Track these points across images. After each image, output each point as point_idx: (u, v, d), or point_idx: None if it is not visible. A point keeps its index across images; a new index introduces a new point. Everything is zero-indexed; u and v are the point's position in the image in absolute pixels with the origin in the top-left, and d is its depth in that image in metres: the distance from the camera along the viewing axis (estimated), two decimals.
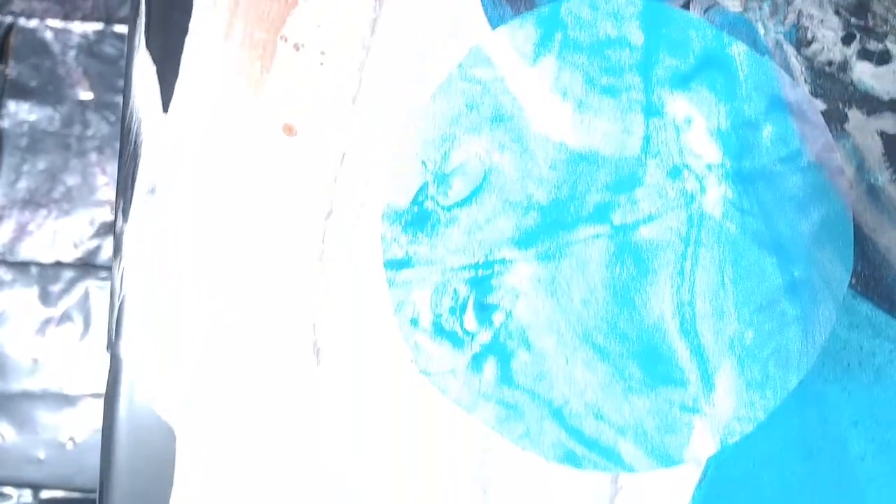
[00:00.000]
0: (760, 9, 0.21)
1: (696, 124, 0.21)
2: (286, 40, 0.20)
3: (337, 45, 0.20)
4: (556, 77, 0.20)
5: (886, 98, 0.21)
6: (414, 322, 0.20)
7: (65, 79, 0.60)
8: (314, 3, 0.20)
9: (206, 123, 0.20)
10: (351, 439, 0.19)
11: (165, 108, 0.20)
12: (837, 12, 0.21)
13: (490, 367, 0.20)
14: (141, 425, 0.19)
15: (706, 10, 0.21)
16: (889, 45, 0.21)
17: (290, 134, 0.20)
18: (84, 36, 0.56)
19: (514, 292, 0.20)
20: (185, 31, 0.20)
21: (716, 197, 0.20)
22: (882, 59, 0.21)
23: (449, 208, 0.20)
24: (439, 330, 0.20)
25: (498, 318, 0.20)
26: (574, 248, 0.20)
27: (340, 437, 0.19)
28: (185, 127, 0.20)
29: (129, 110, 0.19)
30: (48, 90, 0.58)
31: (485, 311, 0.20)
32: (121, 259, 0.19)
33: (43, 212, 0.58)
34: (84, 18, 0.57)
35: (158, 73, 0.20)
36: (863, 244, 0.21)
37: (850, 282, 0.21)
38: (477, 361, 0.20)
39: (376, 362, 0.20)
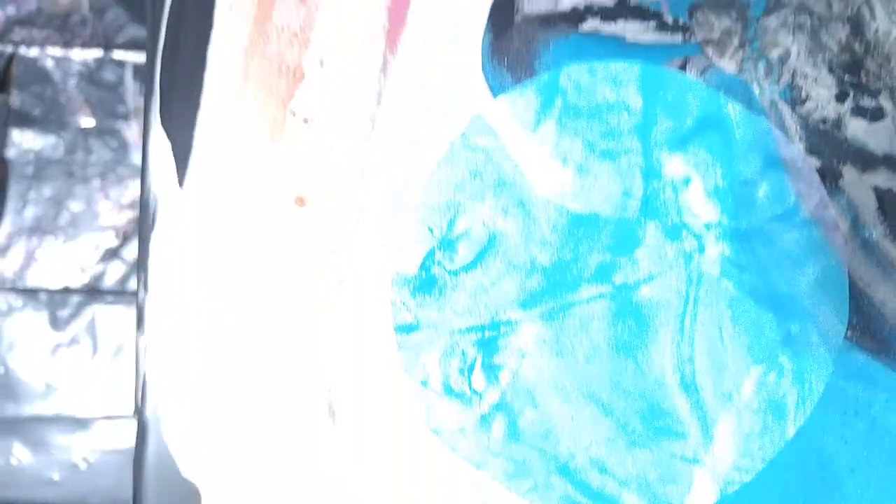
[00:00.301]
0: (755, 69, 0.21)
1: (693, 185, 0.21)
2: (295, 114, 0.21)
3: (344, 117, 0.21)
4: (556, 143, 0.21)
5: (880, 154, 0.21)
6: (424, 383, 0.20)
7: (66, 106, 0.61)
8: (321, 76, 0.21)
9: (220, 196, 0.20)
10: (366, 494, 0.20)
11: (181, 183, 0.20)
12: (831, 70, 0.21)
13: (498, 425, 0.20)
14: (167, 487, 0.20)
15: (702, 72, 0.21)
16: (882, 102, 0.22)
17: (301, 205, 0.20)
18: (84, 63, 0.57)
19: (521, 352, 0.21)
20: (197, 106, 0.20)
21: (714, 255, 0.21)
22: (875, 115, 0.22)
23: (455, 272, 0.21)
24: (448, 390, 0.20)
25: (505, 377, 0.20)
26: (577, 309, 0.21)
27: (357, 494, 0.20)
28: (201, 200, 0.20)
29: (146, 186, 0.20)
30: (51, 118, 0.58)
31: (492, 372, 0.20)
32: (143, 329, 0.20)
33: (50, 238, 0.59)
34: (83, 45, 0.58)
35: (173, 149, 0.20)
36: (858, 298, 0.21)
37: (846, 334, 0.21)
38: (485, 420, 0.20)
39: (389, 422, 0.20)
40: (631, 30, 0.21)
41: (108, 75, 0.57)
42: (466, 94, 0.21)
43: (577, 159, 0.21)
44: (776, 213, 0.21)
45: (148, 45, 0.20)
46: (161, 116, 0.20)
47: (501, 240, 0.21)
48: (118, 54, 0.57)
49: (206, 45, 0.20)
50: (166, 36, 0.20)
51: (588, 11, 0.21)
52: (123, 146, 0.58)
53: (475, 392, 0.20)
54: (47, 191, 0.58)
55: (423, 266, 0.21)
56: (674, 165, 0.21)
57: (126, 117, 0.58)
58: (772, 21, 0.21)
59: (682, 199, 0.21)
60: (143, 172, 0.19)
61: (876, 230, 0.21)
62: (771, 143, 0.21)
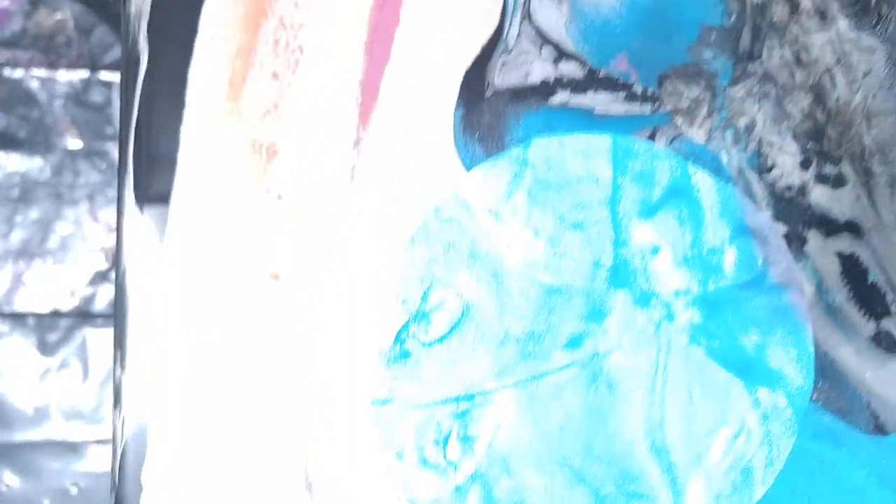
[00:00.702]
0: (723, 138, 0.22)
1: (662, 253, 0.21)
2: (268, 191, 0.21)
3: (317, 194, 0.21)
4: (527, 215, 0.21)
5: (842, 220, 0.22)
6: (399, 455, 0.21)
7: (53, 128, 0.60)
8: (294, 153, 0.21)
9: (195, 275, 0.20)
10: None
11: (157, 260, 0.21)
12: (795, 138, 0.22)
13: (474, 495, 0.21)
14: None
15: (671, 141, 0.22)
16: (843, 169, 0.22)
17: (275, 280, 0.20)
18: (70, 84, 0.56)
19: (495, 422, 0.21)
20: (170, 184, 0.21)
21: (683, 322, 0.21)
22: (837, 182, 0.22)
23: (430, 344, 0.21)
24: (424, 462, 0.21)
25: (480, 448, 0.21)
26: (550, 378, 0.21)
27: None
28: (176, 280, 0.20)
29: (121, 266, 0.20)
30: (37, 140, 0.58)
31: (468, 442, 0.21)
32: (121, 407, 0.20)
33: (38, 262, 0.58)
34: (69, 66, 0.57)
35: (150, 223, 0.20)
36: (822, 360, 0.22)
37: (812, 396, 0.22)
38: (461, 491, 0.21)
39: (366, 494, 0.21)
40: (600, 101, 0.22)
41: (95, 96, 0.57)
42: (439, 168, 0.21)
43: (548, 230, 0.21)
44: (744, 279, 0.22)
45: (121, 125, 0.20)
46: (136, 194, 0.20)
47: (475, 311, 0.21)
48: (105, 75, 0.56)
49: (179, 123, 0.20)
50: (139, 113, 0.20)
51: (558, 84, 0.21)
52: (112, 167, 0.58)
53: (450, 463, 0.21)
54: (34, 213, 0.58)
55: (398, 339, 0.21)
56: (643, 235, 0.22)
57: (114, 138, 0.57)
58: (738, 90, 0.22)
59: (651, 268, 0.22)
60: (117, 250, 0.20)
61: (839, 294, 0.22)
62: (738, 210, 0.22)
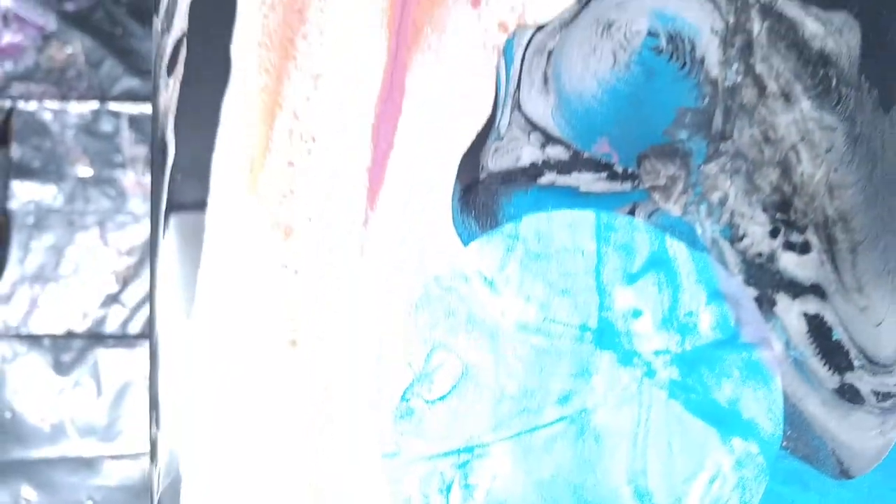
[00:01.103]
0: (698, 211, 0.24)
1: (643, 316, 0.23)
2: (286, 267, 0.23)
3: (330, 269, 0.23)
4: (520, 283, 0.23)
5: (808, 283, 0.24)
6: (407, 502, 0.23)
7: (65, 157, 0.62)
8: (309, 232, 0.23)
9: (221, 343, 0.22)
10: None
11: (188, 315, 0.22)
12: (765, 210, 0.24)
13: None
14: None
15: (650, 215, 0.24)
16: (809, 237, 0.24)
17: (292, 347, 0.22)
18: (81, 115, 0.58)
19: (493, 472, 0.23)
20: (197, 262, 0.23)
21: (663, 379, 0.23)
22: (803, 249, 0.24)
23: (433, 402, 0.23)
24: None
25: (479, 495, 0.23)
26: (542, 431, 0.23)
27: None
28: (203, 348, 0.22)
29: (153, 337, 0.22)
30: (50, 169, 0.60)
31: (468, 491, 0.23)
32: (157, 462, 0.22)
33: (52, 285, 0.60)
34: (80, 98, 0.59)
35: (181, 289, 0.22)
36: (791, 410, 0.24)
37: (782, 443, 0.24)
38: None
39: None
40: (584, 181, 0.23)
41: (105, 126, 0.59)
42: (439, 244, 0.23)
43: (539, 297, 0.23)
44: (719, 339, 0.24)
45: (152, 211, 0.22)
46: (162, 268, 0.22)
47: (474, 371, 0.23)
48: (114, 105, 0.58)
49: (205, 208, 0.22)
50: (167, 203, 0.22)
51: (545, 166, 0.23)
52: (121, 194, 0.60)
53: None
54: (48, 239, 0.60)
55: (404, 398, 0.23)
56: (625, 300, 0.23)
57: (123, 166, 0.59)
58: (712, 167, 0.24)
59: (633, 330, 0.23)
60: (151, 309, 0.21)
61: (806, 351, 0.24)
62: (713, 276, 0.24)
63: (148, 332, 0.22)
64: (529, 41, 0.23)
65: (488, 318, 0.24)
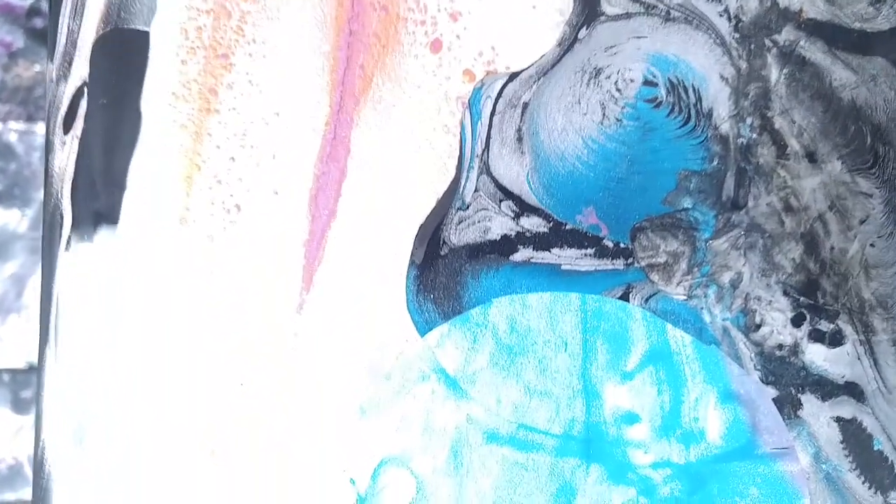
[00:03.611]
0: (706, 295, 0.20)
1: (640, 423, 0.20)
2: (204, 360, 0.19)
3: (257, 365, 0.19)
4: (489, 383, 0.19)
5: (841, 382, 0.20)
6: None
7: (31, 181, 0.59)
8: (231, 316, 0.19)
9: (123, 453, 0.19)
10: None
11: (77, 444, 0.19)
12: (786, 293, 0.20)
13: None
14: None
15: (647, 300, 0.20)
16: (841, 325, 0.20)
17: (211, 456, 0.19)
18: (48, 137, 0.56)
19: None
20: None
21: (664, 498, 0.20)
22: (835, 340, 0.20)
23: None
24: None
25: None
26: None
27: None
28: (100, 460, 0.19)
29: (40, 444, 0.19)
30: (14, 193, 0.57)
31: None
32: None
33: (13, 316, 0.57)
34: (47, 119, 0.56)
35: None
36: None
37: None
38: None
39: None
40: (567, 257, 0.20)
41: None
42: (391, 333, 0.19)
43: (513, 400, 0.20)
44: (731, 448, 0.20)
45: (42, 285, 0.18)
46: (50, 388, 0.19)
47: (430, 490, 0.19)
48: None
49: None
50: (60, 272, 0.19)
51: (520, 240, 0.20)
52: None
53: None
54: (10, 267, 0.57)
55: None
56: (618, 403, 0.20)
57: None
58: (722, 242, 0.20)
59: (627, 439, 0.20)
60: (36, 431, 0.18)
61: (841, 463, 0.20)
62: (723, 374, 0.20)
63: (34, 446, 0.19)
64: (500, 92, 0.19)
65: (450, 425, 0.20)
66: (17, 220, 0.58)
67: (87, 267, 0.19)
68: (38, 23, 0.59)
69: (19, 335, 0.57)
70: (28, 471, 0.54)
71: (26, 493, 0.56)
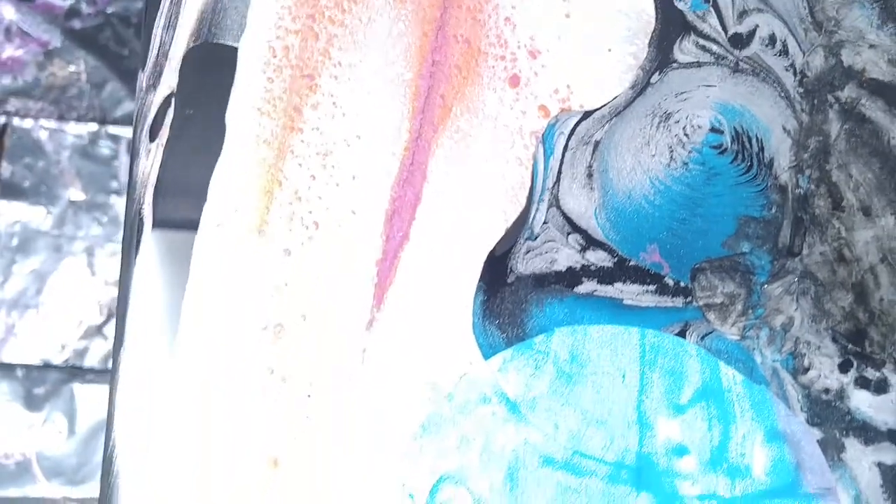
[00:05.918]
0: (758, 337, 0.21)
1: (689, 455, 0.20)
2: (273, 372, 0.20)
3: (324, 377, 0.20)
4: (548, 409, 0.20)
5: (884, 428, 0.21)
6: None
7: (58, 179, 0.59)
8: (303, 330, 0.20)
9: (192, 454, 0.19)
10: None
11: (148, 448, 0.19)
12: (834, 339, 0.21)
13: None
14: None
15: (703, 337, 0.21)
16: (887, 374, 0.21)
17: (274, 467, 0.19)
18: (78, 136, 0.56)
19: None
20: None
21: None
22: (880, 387, 0.21)
23: None
24: None
25: None
26: None
27: None
28: (168, 463, 0.19)
29: (110, 442, 0.19)
30: (41, 190, 0.57)
31: None
32: None
33: (31, 312, 0.57)
34: (79, 119, 0.57)
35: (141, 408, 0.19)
36: None
37: None
38: None
39: None
40: (629, 292, 0.20)
41: (103, 149, 0.56)
42: (456, 355, 0.20)
43: (569, 426, 0.20)
44: (775, 485, 0.20)
45: (120, 285, 0.19)
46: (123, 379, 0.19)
47: None
48: (114, 129, 0.56)
49: (182, 297, 0.19)
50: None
51: (585, 272, 0.20)
52: (113, 221, 0.57)
53: None
54: (32, 263, 0.57)
55: None
56: (669, 434, 0.20)
57: (118, 192, 0.56)
58: (776, 287, 0.21)
59: (677, 470, 0.20)
60: (107, 432, 0.18)
61: None
62: (771, 413, 0.21)
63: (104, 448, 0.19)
64: (573, 129, 0.20)
65: (508, 447, 0.20)
66: (41, 217, 0.58)
67: (164, 274, 0.20)
68: (77, 24, 0.60)
69: (35, 331, 0.57)
70: (35, 468, 0.54)
71: (31, 490, 0.56)
